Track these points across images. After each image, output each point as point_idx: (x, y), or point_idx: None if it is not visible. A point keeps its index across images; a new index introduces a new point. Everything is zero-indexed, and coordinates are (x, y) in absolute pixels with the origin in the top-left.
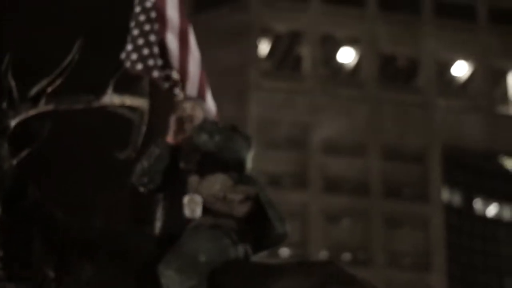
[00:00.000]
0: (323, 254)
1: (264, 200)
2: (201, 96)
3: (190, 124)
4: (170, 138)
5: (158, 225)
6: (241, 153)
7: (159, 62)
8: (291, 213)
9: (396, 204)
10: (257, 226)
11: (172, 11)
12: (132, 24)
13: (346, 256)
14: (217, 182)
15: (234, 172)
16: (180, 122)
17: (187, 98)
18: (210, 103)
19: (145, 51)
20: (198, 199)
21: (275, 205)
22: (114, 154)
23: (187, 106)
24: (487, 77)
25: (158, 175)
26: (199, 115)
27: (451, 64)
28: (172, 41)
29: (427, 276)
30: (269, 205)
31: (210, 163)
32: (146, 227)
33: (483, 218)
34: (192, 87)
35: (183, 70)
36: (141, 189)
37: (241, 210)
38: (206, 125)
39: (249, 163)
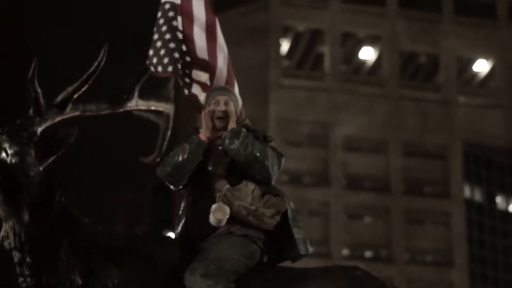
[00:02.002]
0: (345, 252)
1: (291, 218)
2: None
3: (222, 121)
4: (202, 135)
5: (179, 226)
6: (271, 170)
7: (176, 54)
8: (312, 210)
9: (417, 201)
10: (280, 240)
11: (198, 7)
12: (154, 29)
13: (368, 253)
14: (249, 193)
15: (261, 185)
16: (213, 117)
17: (221, 89)
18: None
19: (162, 51)
20: (227, 209)
21: (299, 223)
22: (139, 158)
23: (221, 100)
24: (507, 74)
25: (187, 173)
26: (232, 111)
27: (471, 61)
28: (199, 35)
29: (449, 272)
30: (294, 223)
31: (238, 172)
32: (166, 229)
33: (505, 214)
34: (220, 80)
35: (212, 63)
36: (168, 184)
37: (270, 223)
38: (241, 134)
39: (274, 179)
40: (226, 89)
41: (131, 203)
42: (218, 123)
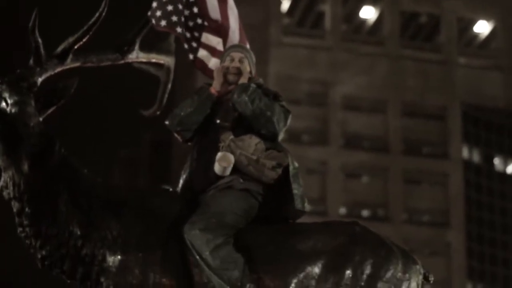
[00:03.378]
0: (342, 211)
1: (292, 174)
2: None
3: (235, 76)
4: (213, 88)
5: (183, 177)
6: (277, 125)
7: (183, 18)
8: (310, 169)
9: (415, 161)
10: (279, 196)
11: None
12: None
13: (365, 212)
14: (252, 144)
15: (267, 141)
16: (226, 72)
17: (237, 46)
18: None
19: (169, 7)
20: (231, 158)
21: (300, 181)
22: (139, 111)
23: (236, 57)
24: (508, 36)
25: (194, 125)
26: (246, 69)
27: (472, 22)
28: None
29: (445, 233)
30: (295, 179)
31: (246, 126)
32: (164, 183)
33: (503, 176)
34: (233, 40)
35: (225, 24)
36: (175, 134)
37: (270, 176)
38: (249, 88)
39: (281, 136)
40: (243, 47)
41: (129, 157)
42: (231, 78)
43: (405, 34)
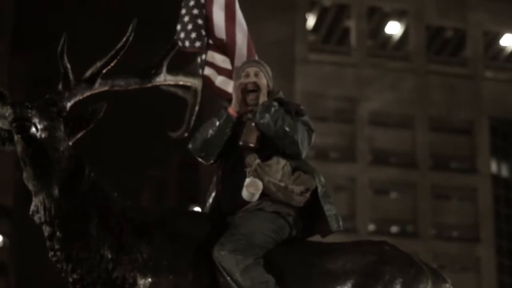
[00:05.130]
0: (371, 227)
1: (321, 195)
2: None
3: (254, 94)
4: (232, 109)
5: (209, 200)
6: (301, 146)
7: (203, 32)
8: (338, 186)
9: (444, 176)
10: (311, 215)
11: None
12: (182, 3)
13: (394, 229)
14: (279, 169)
15: (292, 160)
16: (244, 90)
17: (251, 61)
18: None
19: (189, 26)
20: (260, 185)
21: (331, 199)
22: (167, 133)
23: (251, 71)
24: None
25: (217, 148)
26: (263, 83)
27: (499, 36)
28: (218, 14)
29: (475, 248)
30: (325, 200)
31: (269, 146)
32: (192, 204)
33: None
34: (241, 58)
35: (231, 44)
36: (199, 159)
37: (299, 200)
38: (271, 108)
39: (304, 154)
40: (257, 61)
41: (157, 178)
42: (249, 98)
43: (431, 49)
